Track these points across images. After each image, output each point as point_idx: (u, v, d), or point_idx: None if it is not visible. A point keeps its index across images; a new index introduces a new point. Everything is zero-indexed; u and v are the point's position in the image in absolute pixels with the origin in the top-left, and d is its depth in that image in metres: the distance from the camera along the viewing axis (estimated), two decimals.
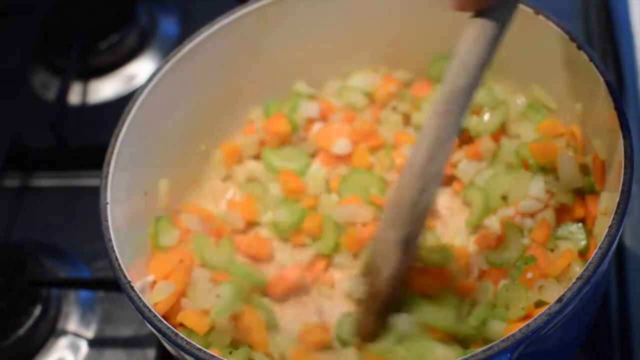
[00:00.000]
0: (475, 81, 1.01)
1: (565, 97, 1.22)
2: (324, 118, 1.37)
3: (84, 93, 1.70)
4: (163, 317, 1.03)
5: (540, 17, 1.17)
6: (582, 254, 1.13)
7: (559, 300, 0.92)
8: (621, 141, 1.04)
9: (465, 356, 0.90)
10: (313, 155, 1.34)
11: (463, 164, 1.27)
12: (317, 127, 1.34)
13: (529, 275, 1.10)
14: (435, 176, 1.04)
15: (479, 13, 1.00)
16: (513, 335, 0.91)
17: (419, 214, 1.05)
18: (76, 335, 1.38)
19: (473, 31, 1.00)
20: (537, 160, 1.21)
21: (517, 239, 1.16)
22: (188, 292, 1.17)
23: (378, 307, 1.09)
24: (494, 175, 1.24)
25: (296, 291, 1.22)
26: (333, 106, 1.37)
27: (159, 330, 1.00)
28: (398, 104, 1.36)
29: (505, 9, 1.01)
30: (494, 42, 1.01)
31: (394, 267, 1.07)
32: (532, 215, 1.18)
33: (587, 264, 0.95)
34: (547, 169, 1.21)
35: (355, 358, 1.08)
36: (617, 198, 0.99)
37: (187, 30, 1.43)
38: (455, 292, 1.13)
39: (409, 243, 1.07)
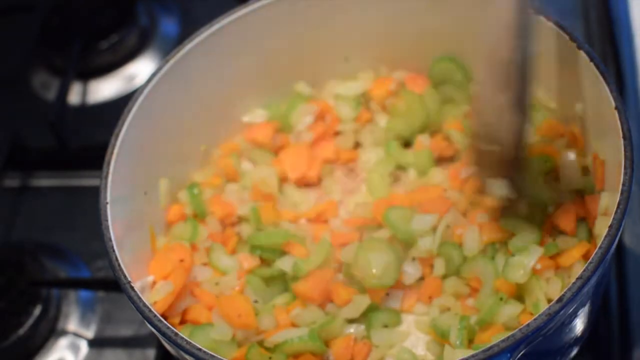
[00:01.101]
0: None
1: (565, 97, 1.22)
2: (321, 118, 1.37)
3: (84, 93, 1.70)
4: (163, 316, 1.04)
5: (541, 17, 1.17)
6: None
7: (559, 300, 0.92)
8: (621, 141, 1.04)
9: (465, 356, 0.90)
10: None
11: None
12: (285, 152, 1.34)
13: (538, 266, 1.11)
14: (527, 28, 1.05)
15: None
16: (513, 335, 0.91)
17: (524, 71, 1.06)
18: (76, 335, 1.38)
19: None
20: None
21: None
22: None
23: (507, 172, 1.12)
24: None
25: None
26: (331, 107, 1.38)
27: (159, 330, 1.00)
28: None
29: None
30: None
31: (515, 128, 1.08)
32: None
33: (587, 264, 0.95)
34: (548, 170, 1.21)
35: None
36: (617, 198, 0.99)
37: (187, 30, 1.43)
38: None
39: (523, 102, 1.08)
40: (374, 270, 1.16)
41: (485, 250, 1.17)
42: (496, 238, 1.17)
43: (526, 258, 1.11)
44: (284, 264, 1.21)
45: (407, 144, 1.35)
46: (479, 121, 1.12)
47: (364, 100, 1.38)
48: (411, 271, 1.19)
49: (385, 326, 1.16)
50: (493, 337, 1.05)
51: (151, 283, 1.18)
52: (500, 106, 1.07)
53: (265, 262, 1.24)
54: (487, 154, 1.12)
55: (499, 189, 1.15)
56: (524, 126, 1.09)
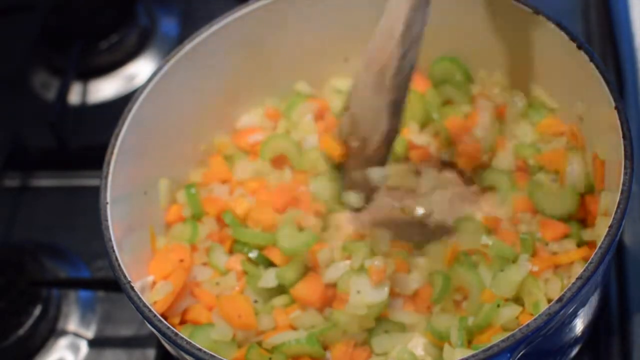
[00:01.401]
0: None
1: (565, 97, 1.22)
2: (321, 117, 1.37)
3: (84, 93, 1.70)
4: (163, 316, 1.04)
5: (540, 17, 1.17)
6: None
7: (559, 300, 0.92)
8: (621, 141, 1.04)
9: (465, 356, 0.90)
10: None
11: None
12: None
13: (535, 268, 1.11)
14: (415, 40, 1.07)
15: None
16: (513, 335, 0.91)
17: (404, 79, 1.09)
18: (76, 335, 1.38)
19: None
20: (544, 166, 1.21)
21: None
22: None
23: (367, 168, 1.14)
24: None
25: None
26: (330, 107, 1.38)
27: (159, 330, 1.00)
28: None
29: None
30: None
31: (384, 131, 1.10)
32: None
33: (587, 264, 0.95)
34: (547, 170, 1.21)
35: None
36: (617, 198, 0.99)
37: (187, 30, 1.43)
38: None
39: (396, 107, 1.10)
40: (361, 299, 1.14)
41: (460, 259, 1.16)
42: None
43: (515, 274, 1.10)
44: (267, 282, 1.19)
45: None
46: (352, 117, 1.13)
47: None
48: (409, 282, 1.18)
49: (386, 332, 1.16)
50: (493, 337, 1.05)
51: (151, 283, 1.18)
52: (376, 108, 1.10)
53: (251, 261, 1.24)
54: (354, 149, 1.14)
55: (353, 199, 1.17)
56: (395, 130, 1.12)
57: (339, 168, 1.17)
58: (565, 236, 1.15)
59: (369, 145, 1.12)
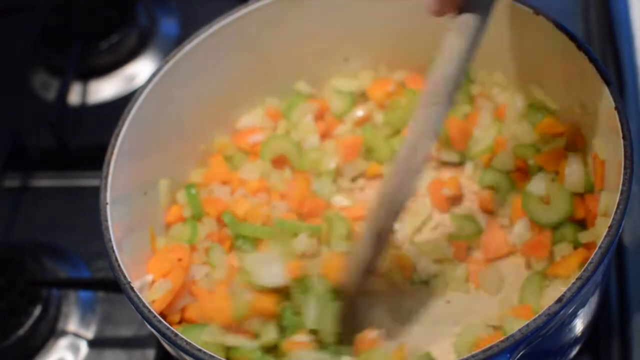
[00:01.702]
0: (460, 74, 1.03)
1: (565, 97, 1.22)
2: (321, 117, 1.37)
3: (84, 93, 1.70)
4: (162, 314, 1.03)
5: (540, 17, 1.17)
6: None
7: (559, 300, 0.92)
8: (621, 141, 1.04)
9: (465, 356, 0.90)
10: None
11: None
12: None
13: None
14: (415, 170, 1.06)
15: (460, 11, 1.02)
16: (512, 335, 0.91)
17: (395, 209, 1.07)
18: (76, 335, 1.38)
19: (456, 26, 1.02)
20: (543, 166, 1.21)
21: None
22: None
23: (346, 296, 1.11)
24: None
25: None
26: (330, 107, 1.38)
27: (159, 331, 1.00)
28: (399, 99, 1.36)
29: (484, 2, 1.03)
30: (477, 35, 1.03)
31: (364, 259, 1.09)
32: None
33: (586, 264, 0.95)
34: (547, 170, 1.21)
35: None
36: (616, 198, 0.99)
37: (187, 30, 1.43)
38: None
39: (382, 236, 1.08)
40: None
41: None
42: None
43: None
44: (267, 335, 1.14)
45: None
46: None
47: (362, 99, 1.38)
48: None
49: None
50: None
51: (150, 282, 1.18)
52: (360, 237, 1.09)
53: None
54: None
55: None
56: (375, 259, 1.11)
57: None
58: (561, 240, 1.16)
59: (349, 276, 1.11)
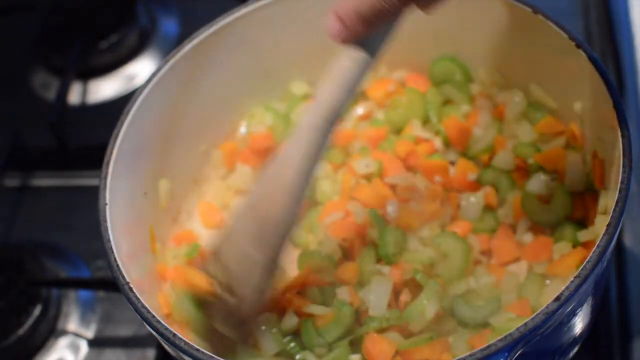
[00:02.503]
0: (347, 103, 1.03)
1: (565, 97, 1.22)
2: None
3: (84, 93, 1.70)
4: (161, 316, 1.04)
5: (539, 16, 1.17)
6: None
7: (557, 298, 0.92)
8: (620, 140, 1.04)
9: (463, 356, 0.90)
10: None
11: None
12: None
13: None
14: (302, 195, 1.02)
15: (355, 42, 1.01)
16: (511, 334, 0.91)
17: (285, 234, 1.03)
18: (76, 335, 1.38)
19: (348, 58, 1.02)
20: (543, 165, 1.21)
21: None
22: None
23: (236, 323, 1.08)
24: None
25: None
26: None
27: (158, 331, 1.00)
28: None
29: (377, 42, 1.02)
30: (366, 71, 1.02)
31: (257, 288, 1.05)
32: None
33: (585, 262, 0.95)
34: (547, 169, 1.21)
35: None
36: (616, 197, 0.99)
37: (187, 30, 1.42)
38: None
39: (272, 263, 1.05)
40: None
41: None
42: None
43: None
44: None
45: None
46: (225, 267, 1.05)
47: (362, 98, 1.38)
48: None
49: None
50: (488, 337, 1.05)
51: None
52: (251, 262, 1.03)
53: None
54: (228, 303, 1.06)
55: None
56: (264, 290, 1.06)
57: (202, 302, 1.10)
58: (560, 239, 1.16)
59: (244, 302, 1.05)
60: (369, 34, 0.99)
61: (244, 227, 1.05)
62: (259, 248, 1.03)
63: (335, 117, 1.02)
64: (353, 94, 1.03)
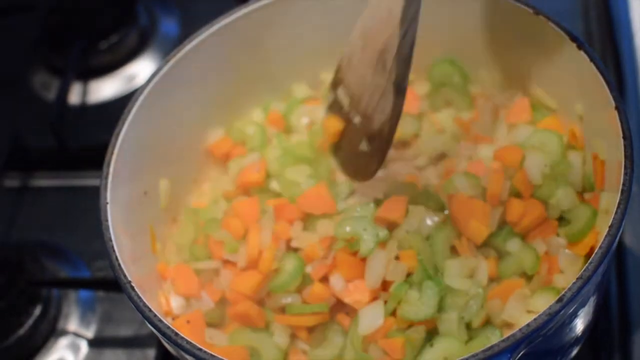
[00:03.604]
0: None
1: (565, 97, 1.22)
2: None
3: (84, 93, 1.70)
4: (162, 315, 1.04)
5: (540, 17, 1.17)
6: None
7: (559, 300, 0.92)
8: (621, 141, 1.04)
9: (466, 356, 0.90)
10: None
11: None
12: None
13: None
14: (414, 18, 1.07)
15: None
16: (513, 335, 0.91)
17: (405, 58, 1.08)
18: (76, 335, 1.38)
19: None
20: None
21: None
22: None
23: (377, 147, 1.13)
24: None
25: None
26: None
27: (159, 330, 1.00)
28: None
29: None
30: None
31: (389, 110, 1.10)
32: None
33: (587, 263, 0.95)
34: None
35: None
36: (617, 198, 0.99)
37: (187, 30, 1.43)
38: None
39: (400, 86, 1.10)
40: None
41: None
42: None
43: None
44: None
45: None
46: (351, 93, 1.13)
47: None
48: None
49: None
50: (491, 337, 1.05)
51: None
52: (379, 87, 1.10)
53: None
54: (356, 126, 1.14)
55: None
56: (399, 110, 1.12)
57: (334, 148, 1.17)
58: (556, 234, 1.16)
59: (372, 123, 1.12)
60: None
61: (363, 60, 1.11)
62: (384, 74, 1.09)
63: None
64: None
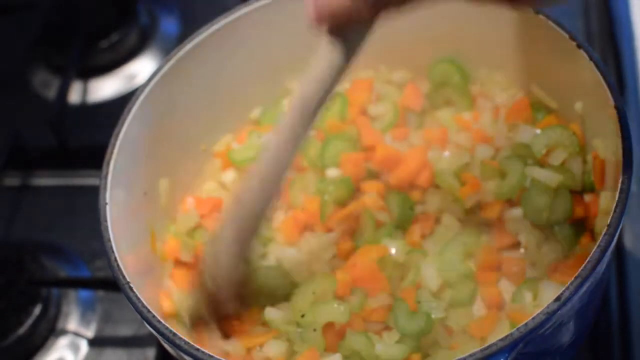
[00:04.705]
0: (324, 98, 1.04)
1: (565, 97, 1.22)
2: None
3: (84, 92, 1.70)
4: (161, 315, 1.04)
5: (541, 17, 1.17)
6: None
7: (557, 299, 0.92)
8: (621, 141, 1.04)
9: (463, 355, 0.90)
10: None
11: None
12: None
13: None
14: (274, 188, 1.06)
15: (335, 34, 1.02)
16: (511, 334, 0.91)
17: (254, 225, 1.08)
18: (76, 334, 1.38)
19: (329, 53, 1.03)
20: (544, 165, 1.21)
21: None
22: None
23: (209, 305, 1.13)
24: None
25: None
26: None
27: (158, 331, 1.00)
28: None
29: (357, 37, 1.04)
30: (345, 67, 1.04)
31: (226, 269, 1.09)
32: None
33: (585, 262, 0.95)
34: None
35: None
36: (616, 197, 0.99)
37: (188, 29, 1.43)
38: None
39: (242, 253, 1.09)
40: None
41: None
42: None
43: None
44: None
45: None
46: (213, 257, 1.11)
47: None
48: None
49: None
50: (489, 337, 1.06)
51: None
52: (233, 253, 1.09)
53: None
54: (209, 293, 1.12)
55: None
56: (237, 270, 1.10)
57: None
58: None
59: (220, 291, 1.11)
60: (343, 31, 1.01)
61: (230, 219, 1.09)
62: (233, 229, 1.08)
63: (312, 112, 1.04)
64: (331, 87, 1.04)
